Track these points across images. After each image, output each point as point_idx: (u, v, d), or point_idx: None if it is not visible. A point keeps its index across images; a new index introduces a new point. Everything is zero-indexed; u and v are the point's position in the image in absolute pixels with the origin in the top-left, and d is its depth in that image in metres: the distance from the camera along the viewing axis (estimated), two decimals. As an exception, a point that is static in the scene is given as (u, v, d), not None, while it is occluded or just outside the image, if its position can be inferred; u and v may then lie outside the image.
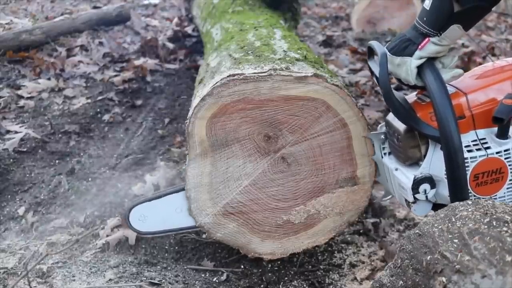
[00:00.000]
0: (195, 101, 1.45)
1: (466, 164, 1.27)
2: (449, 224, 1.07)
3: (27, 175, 2.13)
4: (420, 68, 1.29)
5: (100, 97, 2.83)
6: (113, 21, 4.04)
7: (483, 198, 1.33)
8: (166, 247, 1.73)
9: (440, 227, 1.08)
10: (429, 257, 1.03)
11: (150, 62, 3.27)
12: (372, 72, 1.40)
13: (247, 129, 1.42)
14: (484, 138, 1.31)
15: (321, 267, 1.62)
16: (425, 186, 1.33)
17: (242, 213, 1.49)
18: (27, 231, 1.81)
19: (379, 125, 1.51)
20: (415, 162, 1.38)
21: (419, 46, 1.27)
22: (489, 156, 1.30)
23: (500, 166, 1.31)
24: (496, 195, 1.34)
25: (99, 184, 2.08)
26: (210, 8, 2.84)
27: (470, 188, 1.31)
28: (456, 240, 1.02)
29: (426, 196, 1.34)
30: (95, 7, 4.53)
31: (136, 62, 3.27)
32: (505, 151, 1.30)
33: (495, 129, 1.30)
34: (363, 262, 1.65)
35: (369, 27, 4.47)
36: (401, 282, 1.09)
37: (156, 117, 2.68)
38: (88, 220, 1.88)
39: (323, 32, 4.48)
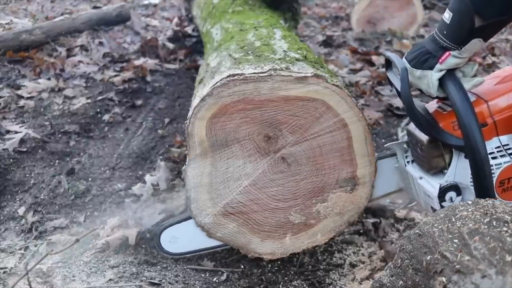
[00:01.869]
0: (195, 101, 1.45)
1: (491, 171, 1.27)
2: (449, 224, 1.07)
3: (27, 175, 2.13)
4: (441, 79, 1.30)
5: (100, 97, 2.83)
6: (113, 21, 4.04)
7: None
8: (166, 247, 1.73)
9: (440, 227, 1.08)
10: (429, 257, 1.03)
11: (150, 62, 3.27)
12: (391, 84, 1.41)
13: (247, 129, 1.42)
14: (507, 144, 1.32)
15: (321, 267, 1.62)
16: (451, 194, 1.35)
17: (242, 213, 1.49)
18: (27, 231, 1.81)
19: (400, 134, 1.53)
20: (439, 171, 1.38)
21: (440, 60, 1.27)
22: None
23: None
24: None
25: (99, 184, 2.08)
26: (210, 8, 2.84)
27: (496, 194, 1.31)
28: (456, 240, 1.02)
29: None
30: (95, 7, 4.53)
31: (136, 62, 3.27)
32: None
33: None
34: (363, 262, 1.65)
35: (369, 27, 4.47)
36: (401, 282, 1.09)
37: (156, 117, 2.68)
38: (88, 220, 1.88)
39: (323, 32, 4.48)
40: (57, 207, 1.94)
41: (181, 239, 1.56)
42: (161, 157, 2.25)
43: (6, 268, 1.61)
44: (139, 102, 2.83)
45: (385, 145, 1.52)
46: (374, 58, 3.55)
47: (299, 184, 1.49)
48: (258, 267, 1.62)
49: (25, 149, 2.30)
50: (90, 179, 2.12)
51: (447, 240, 1.03)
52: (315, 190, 1.50)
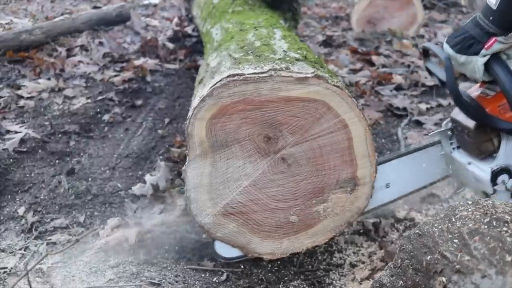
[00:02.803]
0: (195, 101, 1.44)
1: None
2: (449, 224, 1.07)
3: (27, 175, 2.13)
4: (486, 63, 1.29)
5: (100, 97, 2.83)
6: (113, 21, 4.04)
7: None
8: (166, 247, 1.73)
9: (440, 227, 1.08)
10: (429, 257, 1.04)
11: (150, 62, 3.28)
12: (431, 73, 1.40)
13: (247, 130, 1.42)
14: None
15: (321, 267, 1.62)
16: (503, 177, 1.35)
17: (242, 214, 1.49)
18: (27, 231, 1.81)
19: (444, 122, 1.53)
20: (488, 155, 1.39)
21: (486, 46, 1.27)
22: None
23: None
24: None
25: (99, 184, 2.08)
26: (210, 8, 2.84)
27: None
28: (456, 240, 1.02)
29: (506, 187, 1.35)
30: (95, 7, 4.53)
31: (136, 62, 3.27)
32: None
33: None
34: (363, 262, 1.65)
35: (369, 27, 4.47)
36: (401, 282, 1.09)
37: (156, 117, 2.68)
38: (88, 220, 1.88)
39: (323, 32, 4.48)
40: (57, 207, 1.94)
41: None
42: (161, 157, 2.25)
43: (6, 268, 1.61)
44: (139, 102, 2.83)
45: (430, 134, 1.52)
46: (374, 58, 3.55)
47: (299, 185, 1.49)
48: (258, 267, 1.62)
49: (25, 149, 2.30)
50: (90, 179, 2.12)
51: (447, 240, 1.03)
52: (315, 191, 1.50)
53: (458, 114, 1.42)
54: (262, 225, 1.51)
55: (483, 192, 1.42)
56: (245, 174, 1.46)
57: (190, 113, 1.42)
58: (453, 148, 1.50)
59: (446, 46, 1.34)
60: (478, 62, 1.29)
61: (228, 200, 1.47)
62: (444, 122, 1.53)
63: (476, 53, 1.29)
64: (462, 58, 1.31)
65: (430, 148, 1.60)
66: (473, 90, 1.41)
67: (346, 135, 1.44)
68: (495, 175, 1.34)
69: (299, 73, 1.38)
